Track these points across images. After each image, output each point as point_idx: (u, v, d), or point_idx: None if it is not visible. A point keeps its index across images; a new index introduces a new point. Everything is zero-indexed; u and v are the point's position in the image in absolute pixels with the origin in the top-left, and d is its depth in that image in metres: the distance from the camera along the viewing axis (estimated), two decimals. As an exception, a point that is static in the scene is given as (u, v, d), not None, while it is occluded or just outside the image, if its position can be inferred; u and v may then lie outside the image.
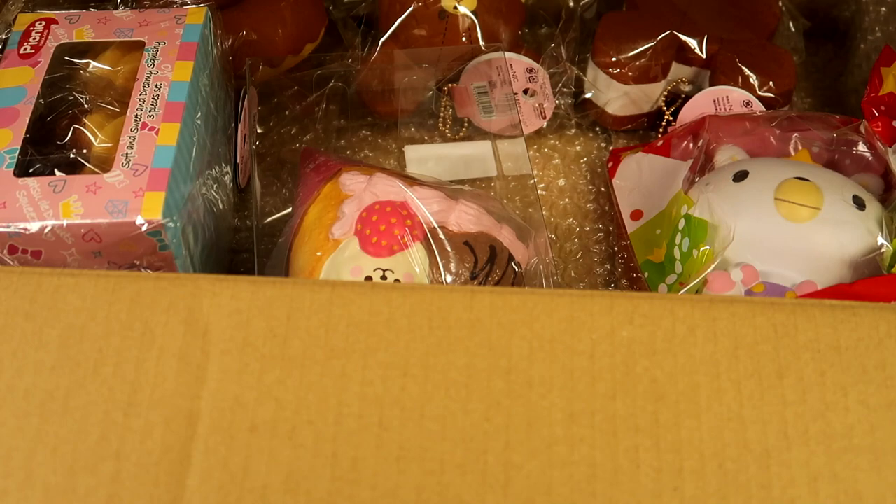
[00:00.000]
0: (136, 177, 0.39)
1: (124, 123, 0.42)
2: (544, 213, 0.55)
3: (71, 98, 0.45)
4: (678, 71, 0.57)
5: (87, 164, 0.42)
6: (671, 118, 0.57)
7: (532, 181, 0.51)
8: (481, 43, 0.56)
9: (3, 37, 0.47)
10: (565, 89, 0.58)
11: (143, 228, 0.38)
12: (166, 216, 0.39)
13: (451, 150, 0.58)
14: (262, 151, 0.58)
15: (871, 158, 0.49)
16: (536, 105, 0.57)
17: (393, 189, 0.44)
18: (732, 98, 0.54)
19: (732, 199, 0.45)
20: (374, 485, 0.28)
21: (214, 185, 0.47)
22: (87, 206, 0.38)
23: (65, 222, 0.38)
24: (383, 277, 0.42)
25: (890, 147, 0.48)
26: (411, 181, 0.46)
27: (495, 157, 0.57)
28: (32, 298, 0.32)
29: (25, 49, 0.45)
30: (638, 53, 0.55)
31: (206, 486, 0.28)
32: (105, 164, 0.42)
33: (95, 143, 0.43)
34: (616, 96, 0.57)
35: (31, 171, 0.41)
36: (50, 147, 0.43)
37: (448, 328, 0.31)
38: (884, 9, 0.58)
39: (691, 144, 0.53)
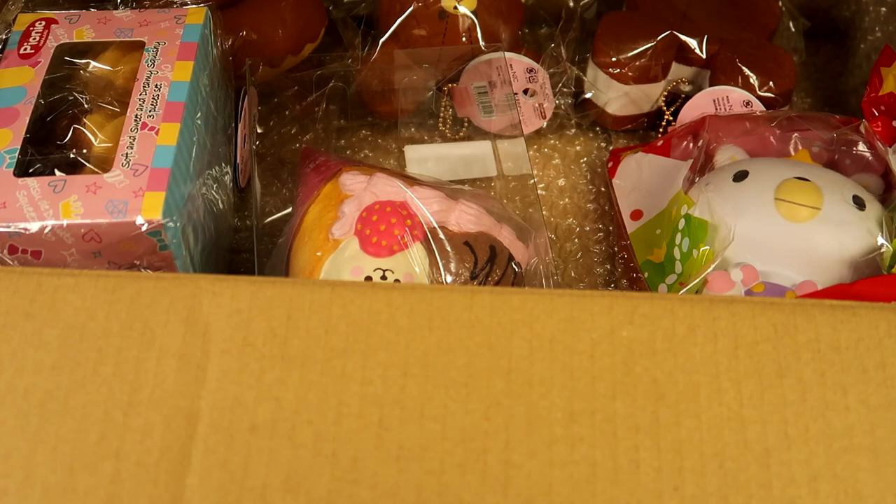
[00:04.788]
0: (136, 177, 0.39)
1: (124, 123, 0.42)
2: (544, 213, 0.55)
3: (71, 98, 0.45)
4: (678, 71, 0.57)
5: (87, 164, 0.42)
6: (671, 118, 0.57)
7: (532, 181, 0.51)
8: (481, 43, 0.56)
9: (3, 37, 0.47)
10: (565, 89, 0.58)
11: (143, 228, 0.38)
12: (166, 216, 0.39)
13: (451, 150, 0.58)
14: (262, 151, 0.58)
15: (871, 158, 0.49)
16: (536, 105, 0.57)
17: (393, 189, 0.44)
18: (732, 98, 0.54)
19: (732, 199, 0.45)
20: (374, 484, 0.28)
21: (214, 185, 0.47)
22: (87, 206, 0.38)
23: (65, 222, 0.38)
24: (383, 277, 0.42)
25: (890, 147, 0.48)
26: (411, 181, 0.46)
27: (495, 157, 0.57)
28: (32, 298, 0.32)
29: (25, 49, 0.45)
30: (638, 53, 0.55)
31: (205, 486, 0.28)
32: (105, 164, 0.42)
33: (95, 143, 0.43)
34: (616, 96, 0.57)
35: (31, 171, 0.41)
36: (50, 147, 0.43)
37: (448, 328, 0.31)
38: (884, 9, 0.58)
39: (691, 144, 0.53)
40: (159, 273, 0.36)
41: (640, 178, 0.53)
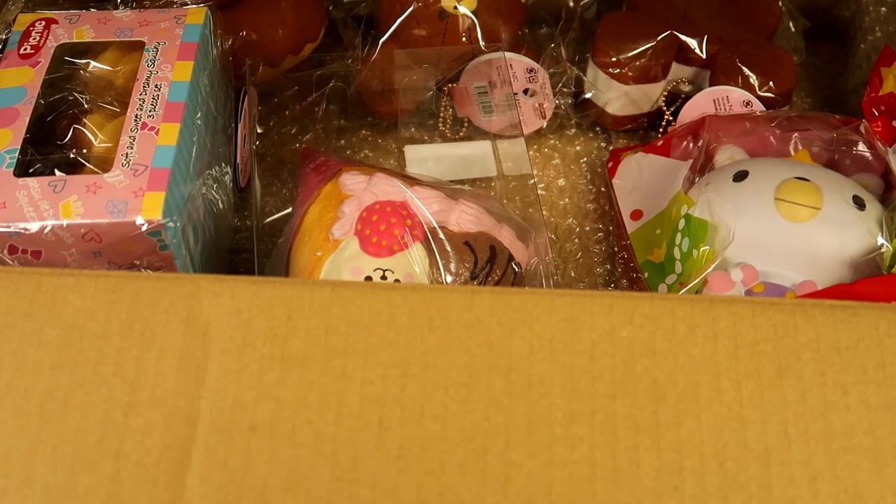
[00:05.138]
0: (136, 177, 0.39)
1: (124, 123, 0.42)
2: (544, 213, 0.55)
3: (71, 98, 0.45)
4: (678, 71, 0.57)
5: (87, 164, 0.42)
6: (671, 118, 0.57)
7: (532, 181, 0.51)
8: (481, 43, 0.56)
9: (3, 37, 0.47)
10: (565, 89, 0.58)
11: (143, 228, 0.38)
12: (166, 216, 0.39)
13: (451, 150, 0.58)
14: (262, 151, 0.58)
15: (871, 158, 0.49)
16: (536, 105, 0.57)
17: (393, 189, 0.44)
18: (732, 98, 0.54)
19: (732, 199, 0.45)
20: (374, 484, 0.28)
21: (214, 185, 0.47)
22: (87, 206, 0.38)
23: (65, 222, 0.38)
24: (383, 277, 0.42)
25: (890, 147, 0.48)
26: (411, 181, 0.46)
27: (495, 157, 0.57)
28: (32, 298, 0.32)
29: (25, 49, 0.45)
30: (638, 53, 0.55)
31: (205, 486, 0.28)
32: (105, 164, 0.42)
33: (95, 143, 0.43)
34: (616, 96, 0.57)
35: (31, 171, 0.41)
36: (50, 147, 0.43)
37: (448, 328, 0.31)
38: (884, 9, 0.58)
39: (691, 144, 0.53)
40: (159, 273, 0.36)
41: (640, 178, 0.53)
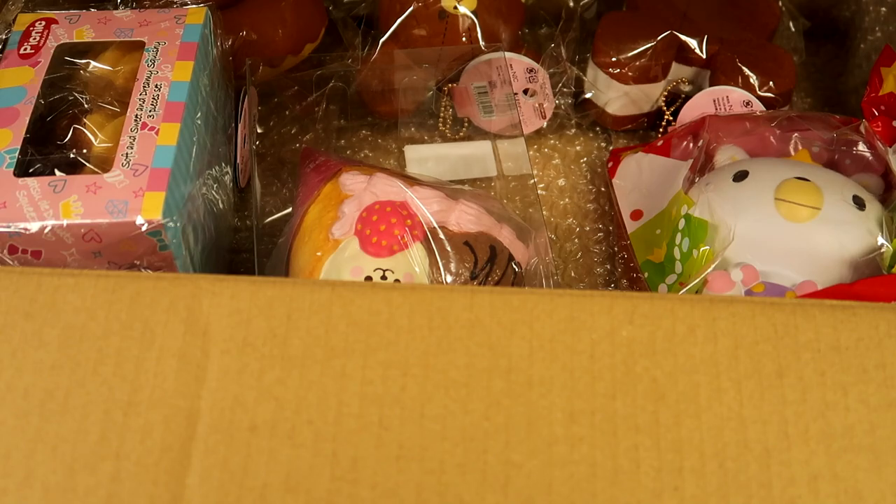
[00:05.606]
0: (136, 177, 0.39)
1: (124, 123, 0.42)
2: (544, 213, 0.55)
3: (71, 98, 0.45)
4: (678, 71, 0.57)
5: (87, 164, 0.42)
6: (671, 118, 0.57)
7: (532, 181, 0.51)
8: (481, 43, 0.56)
9: (3, 37, 0.47)
10: (565, 89, 0.58)
11: (143, 228, 0.38)
12: (166, 216, 0.39)
13: (451, 150, 0.58)
14: (262, 151, 0.58)
15: (871, 158, 0.49)
16: (536, 105, 0.57)
17: (393, 189, 0.44)
18: (732, 98, 0.54)
19: (732, 199, 0.45)
20: (374, 484, 0.28)
21: (214, 185, 0.47)
22: (87, 206, 0.38)
23: (65, 222, 0.38)
24: (383, 277, 0.42)
25: (890, 147, 0.48)
26: (411, 181, 0.46)
27: (495, 157, 0.57)
28: (32, 298, 0.32)
29: (25, 49, 0.45)
30: (638, 53, 0.55)
31: (205, 486, 0.28)
32: (105, 164, 0.42)
33: (95, 143, 0.43)
34: (616, 96, 0.57)
35: (31, 171, 0.41)
36: (50, 147, 0.43)
37: (448, 328, 0.31)
38: (884, 9, 0.58)
39: (691, 144, 0.53)
40: (159, 273, 0.36)
41: (640, 178, 0.53)
